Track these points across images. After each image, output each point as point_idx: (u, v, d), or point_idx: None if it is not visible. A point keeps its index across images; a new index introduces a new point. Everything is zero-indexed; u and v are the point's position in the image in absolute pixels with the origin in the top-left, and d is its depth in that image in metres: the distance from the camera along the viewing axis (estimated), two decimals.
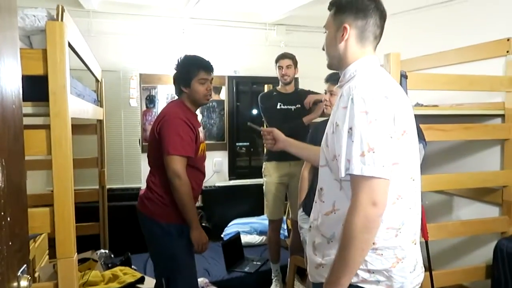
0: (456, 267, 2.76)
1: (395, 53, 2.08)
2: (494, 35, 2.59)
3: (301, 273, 3.12)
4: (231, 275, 3.20)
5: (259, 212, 4.19)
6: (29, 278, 0.89)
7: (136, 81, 4.09)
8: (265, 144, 1.79)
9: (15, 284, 0.85)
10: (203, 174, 2.20)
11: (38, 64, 1.50)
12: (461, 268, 2.62)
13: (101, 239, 3.43)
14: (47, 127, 1.52)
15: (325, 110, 2.38)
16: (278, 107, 3.09)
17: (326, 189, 1.28)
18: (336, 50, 1.28)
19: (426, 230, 2.21)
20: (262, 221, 3.99)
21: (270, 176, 3.09)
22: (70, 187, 1.55)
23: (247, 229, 3.95)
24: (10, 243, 0.83)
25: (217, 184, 4.44)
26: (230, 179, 4.54)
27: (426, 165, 2.74)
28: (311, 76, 3.60)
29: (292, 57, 3.09)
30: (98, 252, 3.01)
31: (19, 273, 0.88)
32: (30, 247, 2.28)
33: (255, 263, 3.40)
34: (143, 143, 4.08)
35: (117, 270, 2.68)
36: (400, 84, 2.11)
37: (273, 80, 3.38)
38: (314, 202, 1.36)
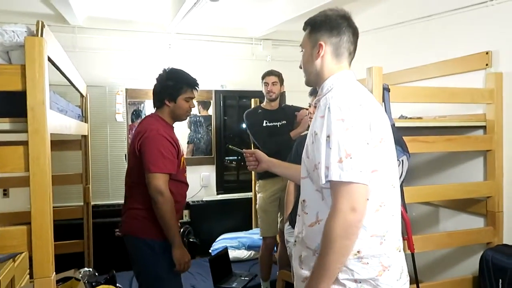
0: (443, 279, 2.74)
1: (377, 67, 2.10)
2: (474, 48, 2.65)
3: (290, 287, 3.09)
4: None
5: (248, 227, 4.16)
6: None
7: (122, 96, 4.07)
8: (248, 167, 1.74)
9: None
10: (186, 184, 2.18)
11: (16, 79, 1.47)
12: (448, 280, 2.61)
13: (85, 256, 3.36)
14: (25, 143, 1.49)
15: (309, 123, 2.40)
16: (264, 124, 3.10)
17: (308, 200, 1.29)
18: (313, 66, 1.33)
19: (412, 242, 2.20)
20: (250, 235, 3.95)
21: (265, 192, 3.07)
22: (48, 204, 1.51)
23: (235, 244, 3.90)
24: None
25: (204, 199, 4.40)
26: (218, 194, 4.51)
27: (412, 176, 2.75)
28: (297, 90, 3.61)
29: (278, 75, 3.12)
30: (82, 270, 2.93)
31: None
32: (9, 267, 2.22)
33: (243, 278, 3.35)
34: None
35: None
36: (383, 97, 2.13)
37: (260, 94, 3.40)
38: (297, 216, 1.36)
